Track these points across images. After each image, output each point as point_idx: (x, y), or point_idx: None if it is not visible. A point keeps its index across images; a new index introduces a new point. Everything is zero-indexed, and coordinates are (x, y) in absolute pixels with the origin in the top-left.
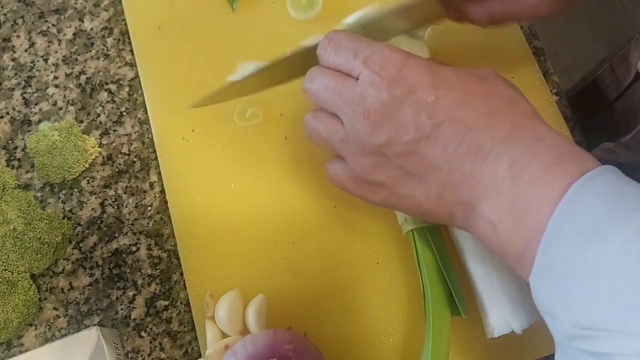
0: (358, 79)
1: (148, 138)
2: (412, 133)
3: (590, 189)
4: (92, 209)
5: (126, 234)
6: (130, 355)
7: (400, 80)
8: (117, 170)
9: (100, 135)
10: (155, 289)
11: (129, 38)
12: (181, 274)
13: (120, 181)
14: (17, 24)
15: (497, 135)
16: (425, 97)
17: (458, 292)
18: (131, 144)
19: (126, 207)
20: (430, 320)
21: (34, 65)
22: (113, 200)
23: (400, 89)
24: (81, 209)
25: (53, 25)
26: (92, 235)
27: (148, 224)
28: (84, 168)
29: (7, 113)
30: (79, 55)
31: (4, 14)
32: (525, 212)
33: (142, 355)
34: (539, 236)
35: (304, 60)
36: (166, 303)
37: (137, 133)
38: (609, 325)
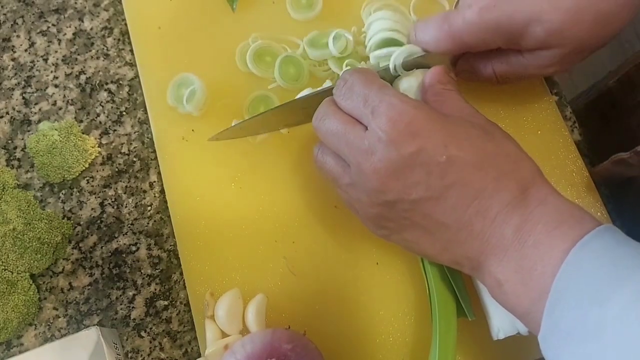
0: (367, 129)
1: (148, 138)
2: (422, 192)
3: (588, 251)
4: (92, 209)
5: (126, 233)
6: (130, 355)
7: (409, 137)
8: (116, 170)
9: (100, 135)
10: (155, 289)
11: (129, 38)
12: (181, 273)
13: (120, 181)
14: (17, 23)
15: (504, 199)
16: (436, 157)
17: (464, 294)
18: (131, 143)
19: (126, 207)
20: (437, 322)
21: (34, 65)
22: (113, 200)
23: (409, 148)
24: (81, 209)
25: (53, 25)
26: (91, 235)
27: (148, 223)
28: (84, 168)
29: (7, 113)
30: (78, 55)
31: (4, 14)
32: (530, 274)
33: (141, 355)
34: (544, 298)
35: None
36: (166, 303)
37: (137, 133)
38: None
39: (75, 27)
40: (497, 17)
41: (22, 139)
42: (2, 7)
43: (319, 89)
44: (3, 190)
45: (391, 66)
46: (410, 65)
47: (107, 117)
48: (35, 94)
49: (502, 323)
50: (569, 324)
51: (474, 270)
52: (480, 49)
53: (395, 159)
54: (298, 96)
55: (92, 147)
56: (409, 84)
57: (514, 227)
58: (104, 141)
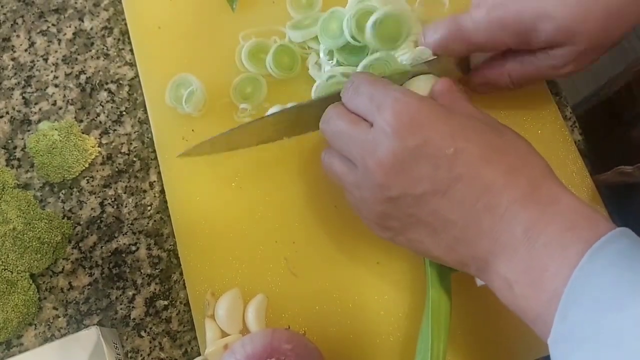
0: (372, 126)
1: (148, 138)
2: (427, 186)
3: (604, 256)
4: (92, 209)
5: (126, 233)
6: (129, 354)
7: (414, 130)
8: (116, 170)
9: (100, 134)
10: (155, 289)
11: (129, 38)
12: (181, 273)
13: (120, 181)
14: (17, 23)
15: (514, 194)
16: (443, 149)
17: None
18: (131, 143)
19: (126, 206)
20: (429, 318)
21: (34, 64)
22: (113, 200)
23: (414, 140)
24: (81, 209)
25: (53, 24)
26: (91, 235)
27: (148, 223)
28: (84, 168)
29: (7, 112)
30: (78, 55)
31: (4, 14)
32: (542, 276)
33: (141, 355)
34: (556, 301)
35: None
36: (166, 303)
37: (136, 133)
38: None
39: (75, 27)
40: (504, 15)
41: (22, 139)
42: (2, 7)
43: (287, 106)
44: (3, 190)
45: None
46: (418, 71)
47: (107, 117)
48: (35, 94)
49: None
50: (582, 330)
51: (480, 271)
52: (490, 50)
53: (399, 151)
54: (268, 112)
55: (92, 147)
56: (415, 89)
57: (525, 225)
58: (104, 141)
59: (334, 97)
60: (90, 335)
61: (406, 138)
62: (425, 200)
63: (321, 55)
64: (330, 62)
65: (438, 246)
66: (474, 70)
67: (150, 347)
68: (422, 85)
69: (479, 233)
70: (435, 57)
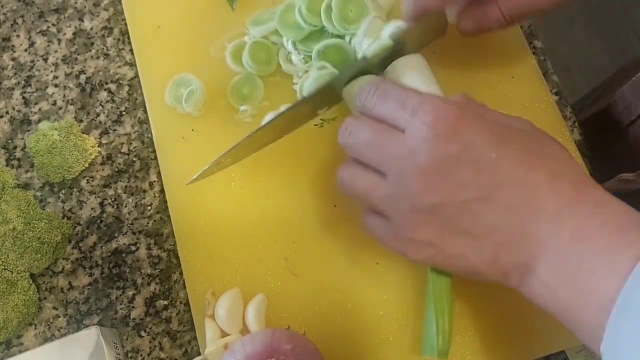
0: (405, 132)
1: (148, 138)
2: (471, 193)
3: None
4: (92, 209)
5: (126, 233)
6: (129, 354)
7: (456, 135)
8: (116, 169)
9: (99, 134)
10: (155, 289)
11: (128, 38)
12: (181, 273)
13: (120, 181)
14: (17, 23)
15: (560, 198)
16: (485, 154)
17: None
18: (131, 143)
19: (126, 206)
20: (431, 282)
21: (34, 64)
22: (112, 199)
23: (456, 146)
24: (81, 209)
25: (53, 24)
26: (91, 235)
27: (147, 223)
28: (84, 168)
29: (7, 112)
30: (78, 54)
31: (4, 14)
32: (589, 281)
33: (141, 355)
34: (605, 307)
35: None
36: (166, 303)
37: (136, 133)
38: None
39: (75, 27)
40: None
41: (22, 139)
42: (2, 6)
43: (280, 110)
44: (3, 190)
45: (381, 44)
46: (400, 43)
47: (107, 116)
48: (35, 94)
49: None
50: (638, 336)
51: (522, 280)
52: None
53: (441, 157)
54: (264, 121)
55: (92, 147)
56: (403, 67)
57: (572, 228)
58: (103, 141)
59: (326, 89)
60: (90, 335)
61: (447, 143)
62: (468, 207)
63: (288, 48)
64: (299, 54)
65: (481, 257)
66: (462, 13)
67: (150, 347)
68: (410, 63)
69: (523, 238)
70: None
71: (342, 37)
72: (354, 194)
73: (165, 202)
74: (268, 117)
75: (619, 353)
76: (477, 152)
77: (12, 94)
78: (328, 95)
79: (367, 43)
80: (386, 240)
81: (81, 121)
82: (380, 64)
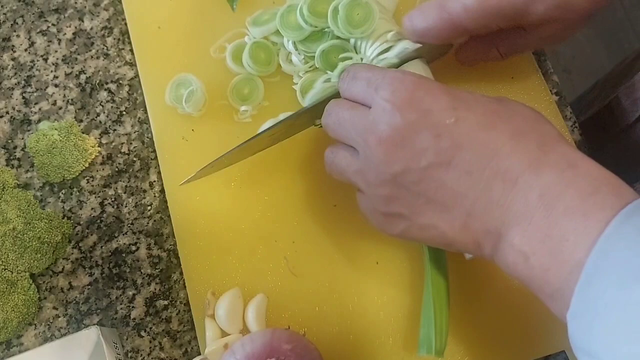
0: (371, 107)
1: (148, 137)
2: (431, 158)
3: (631, 225)
4: (92, 209)
5: (126, 233)
6: (129, 354)
7: (414, 103)
8: (116, 169)
9: (100, 134)
10: (155, 289)
11: (129, 38)
12: (181, 273)
13: (120, 181)
14: (17, 23)
15: (525, 159)
16: (444, 119)
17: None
18: (131, 143)
19: (126, 206)
20: (429, 279)
21: (34, 64)
22: (113, 199)
23: (414, 113)
24: (81, 209)
25: (53, 24)
26: (91, 235)
27: (148, 223)
28: (84, 167)
29: (7, 112)
30: (78, 54)
31: (4, 14)
32: (561, 245)
33: (141, 355)
34: (577, 272)
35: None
36: (166, 302)
37: (136, 132)
38: None
39: (75, 27)
40: (499, 1)
41: (22, 139)
42: (2, 6)
43: (279, 119)
44: (3, 190)
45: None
46: (405, 60)
47: (107, 116)
48: (35, 94)
49: None
50: (607, 302)
51: (494, 248)
52: (481, 33)
53: (399, 125)
54: (261, 128)
55: (92, 147)
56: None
57: (540, 190)
58: (104, 141)
59: (328, 100)
60: (90, 335)
61: (405, 111)
62: (430, 173)
63: (288, 49)
64: (300, 54)
65: (452, 226)
66: (462, 45)
67: (150, 347)
68: (414, 70)
69: (490, 203)
70: (420, 45)
71: (347, 39)
72: (335, 172)
73: (165, 202)
74: (267, 124)
75: (580, 321)
76: (436, 118)
77: (12, 94)
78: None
79: (372, 48)
80: (369, 218)
81: (81, 121)
82: None
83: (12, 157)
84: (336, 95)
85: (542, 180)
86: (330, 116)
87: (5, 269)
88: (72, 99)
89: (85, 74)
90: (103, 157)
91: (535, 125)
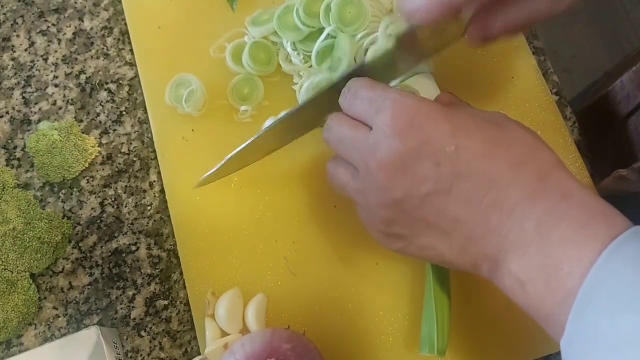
0: (372, 129)
1: (148, 137)
2: (432, 186)
3: (622, 255)
4: (92, 209)
5: (126, 233)
6: (129, 354)
7: (414, 129)
8: (116, 169)
9: (99, 134)
10: (155, 289)
11: (128, 38)
12: (181, 273)
13: (120, 181)
14: (17, 23)
15: (522, 189)
16: (444, 146)
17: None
18: (131, 143)
19: (126, 206)
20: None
21: (34, 64)
22: (113, 199)
23: (414, 139)
24: (81, 209)
25: (53, 24)
26: (91, 235)
27: (147, 223)
28: (84, 167)
29: (7, 112)
30: (78, 54)
31: (4, 14)
32: (556, 274)
33: (141, 355)
34: (570, 300)
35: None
36: (166, 302)
37: (136, 132)
38: None
39: (75, 27)
40: None
41: (22, 139)
42: (2, 6)
43: (280, 116)
44: (3, 190)
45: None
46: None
47: (107, 116)
48: (35, 94)
49: None
50: (598, 330)
51: (492, 271)
52: (477, 5)
53: (400, 151)
54: (264, 126)
55: (92, 147)
56: (417, 86)
57: (536, 220)
58: (103, 141)
59: (323, 95)
60: (90, 335)
61: (406, 137)
62: (430, 200)
63: (287, 49)
64: (299, 54)
65: (451, 249)
66: (468, 25)
67: (150, 347)
68: (423, 83)
69: (488, 230)
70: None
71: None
72: (336, 185)
73: (165, 202)
74: (268, 122)
75: (574, 348)
76: (437, 145)
77: (12, 94)
78: (329, 102)
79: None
80: (369, 230)
81: (81, 121)
82: (383, 74)
83: (12, 157)
84: (331, 90)
85: (538, 210)
86: (331, 132)
87: (5, 269)
88: (72, 99)
89: (85, 74)
90: (103, 157)
91: (535, 152)
